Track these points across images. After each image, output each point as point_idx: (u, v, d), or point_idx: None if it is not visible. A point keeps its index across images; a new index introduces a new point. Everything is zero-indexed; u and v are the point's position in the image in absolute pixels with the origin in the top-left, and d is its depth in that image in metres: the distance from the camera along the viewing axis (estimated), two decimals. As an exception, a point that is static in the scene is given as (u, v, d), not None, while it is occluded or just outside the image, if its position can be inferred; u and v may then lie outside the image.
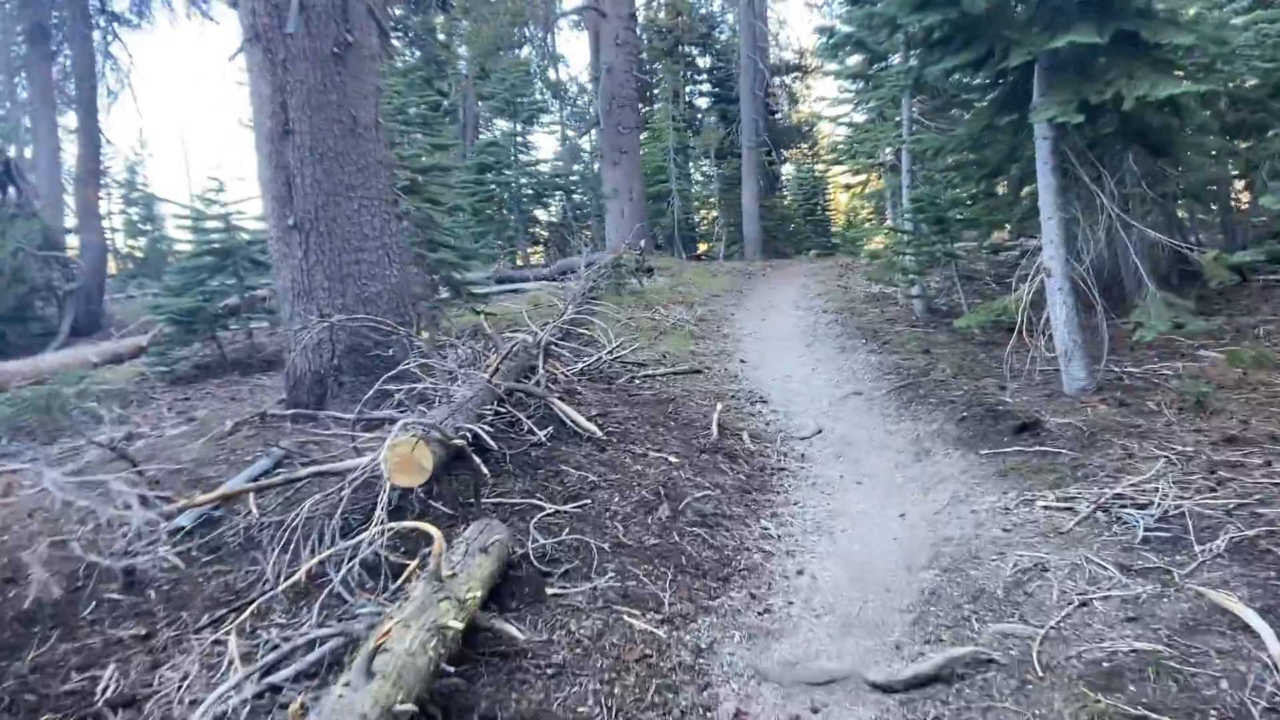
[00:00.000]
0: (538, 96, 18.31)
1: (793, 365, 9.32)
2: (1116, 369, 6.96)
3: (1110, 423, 5.89)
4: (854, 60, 13.49)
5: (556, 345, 8.89)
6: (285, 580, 4.27)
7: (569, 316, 10.71)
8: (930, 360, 8.45)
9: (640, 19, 29.15)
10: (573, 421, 6.33)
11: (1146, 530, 4.44)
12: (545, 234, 18.18)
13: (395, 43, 31.21)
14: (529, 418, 6.27)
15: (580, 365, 8.31)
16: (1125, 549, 4.36)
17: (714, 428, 6.80)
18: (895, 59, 10.76)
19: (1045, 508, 4.89)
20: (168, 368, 9.89)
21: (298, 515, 4.62)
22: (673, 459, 6.02)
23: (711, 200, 31.36)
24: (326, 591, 3.98)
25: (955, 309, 10.35)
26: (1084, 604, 3.97)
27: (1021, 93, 6.91)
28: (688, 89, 32.76)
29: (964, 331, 9.17)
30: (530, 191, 18.07)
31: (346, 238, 6.21)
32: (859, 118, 15.44)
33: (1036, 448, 5.72)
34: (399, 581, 4.20)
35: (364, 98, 6.30)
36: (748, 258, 24.88)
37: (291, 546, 4.54)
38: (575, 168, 25.93)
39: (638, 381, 8.22)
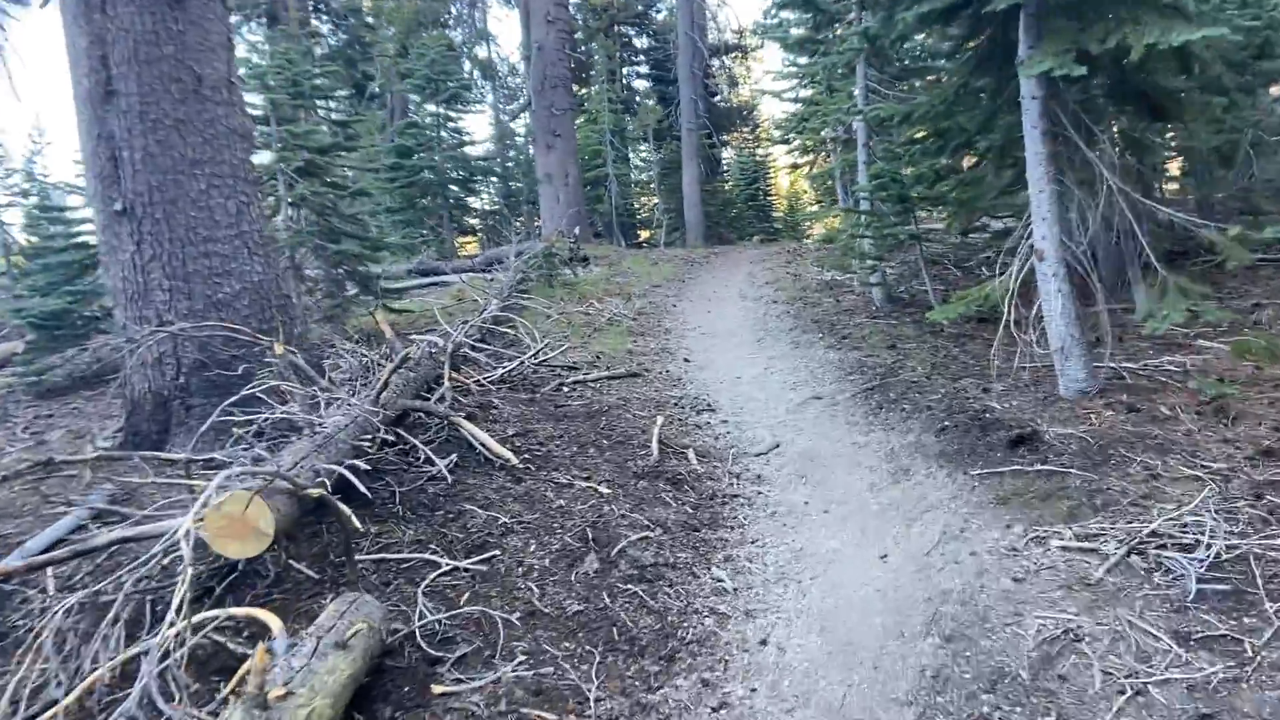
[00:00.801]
0: (463, 75, 16.92)
1: (743, 365, 8.31)
2: (1112, 364, 6.07)
3: (1121, 433, 4.97)
4: (800, 30, 12.54)
5: (473, 349, 7.77)
6: (71, 693, 3.14)
7: (491, 314, 9.56)
8: (898, 357, 7.51)
9: (573, -4, 27.94)
10: (482, 446, 5.22)
11: (1199, 581, 3.51)
12: (476, 223, 16.89)
13: (317, 23, 29.52)
14: (429, 443, 5.14)
15: (500, 372, 7.19)
16: (1176, 608, 3.43)
17: (654, 445, 5.75)
18: (849, 18, 9.78)
19: (1063, 548, 3.94)
20: (36, 378, 8.52)
21: (106, 593, 3.50)
22: (604, 489, 4.95)
23: (652, 186, 30.36)
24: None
25: (920, 298, 9.45)
26: (1138, 693, 3.03)
27: (1002, 47, 5.95)
28: (625, 70, 31.63)
29: (934, 324, 8.26)
30: (458, 177, 16.76)
31: (191, 226, 4.97)
32: (805, 92, 14.48)
33: (1038, 466, 4.77)
34: (231, 685, 3.11)
35: (209, 51, 5.06)
36: (690, 244, 23.90)
37: (95, 639, 3.41)
38: (508, 152, 24.65)
39: (566, 389, 7.12)
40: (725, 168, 31.76)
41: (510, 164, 24.56)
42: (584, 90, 28.43)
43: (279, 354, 4.52)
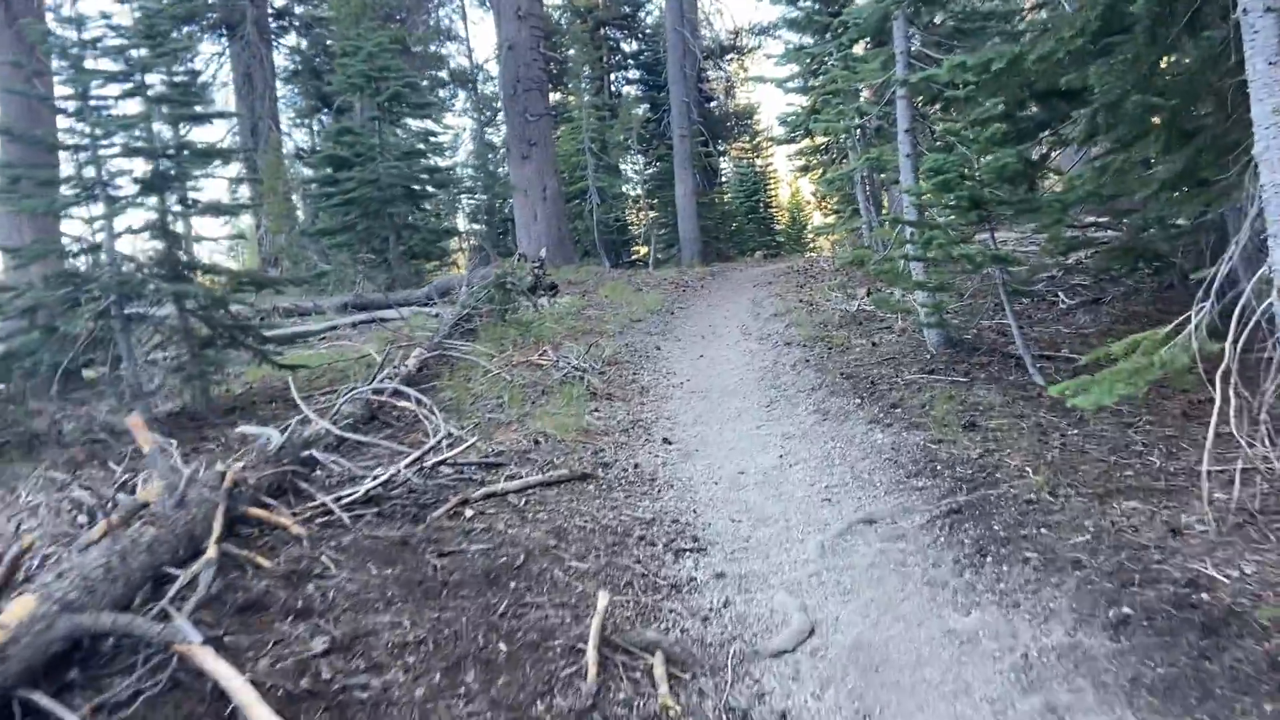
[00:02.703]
0: (408, 73, 14.35)
1: (747, 449, 5.69)
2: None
3: None
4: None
5: (338, 442, 5.17)
6: None
7: (409, 369, 6.97)
8: (986, 446, 4.88)
9: (553, -3, 25.60)
10: (242, 708, 2.60)
11: None
12: (425, 244, 14.31)
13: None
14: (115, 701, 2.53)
15: (368, 487, 4.57)
16: None
17: (590, 654, 3.11)
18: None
19: None
20: None
21: None
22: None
23: (644, 199, 27.84)
24: None
25: (994, 342, 6.81)
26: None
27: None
28: (613, 75, 29.17)
29: (1024, 384, 5.66)
30: (411, 189, 14.18)
31: None
32: (815, 81, 11.92)
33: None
34: None
35: None
36: (685, 262, 21.33)
37: None
38: (471, 163, 22.14)
39: (470, 513, 4.49)
40: (724, 179, 29.30)
41: (476, 176, 22.06)
42: (565, 97, 25.98)
43: None
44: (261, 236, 24.08)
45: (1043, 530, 3.77)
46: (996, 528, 3.87)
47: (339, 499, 4.40)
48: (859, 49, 11.30)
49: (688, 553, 4.16)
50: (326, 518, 4.28)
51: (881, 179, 12.09)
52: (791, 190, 32.33)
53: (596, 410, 6.65)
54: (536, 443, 5.73)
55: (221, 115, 7.63)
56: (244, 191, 28.74)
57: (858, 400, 6.12)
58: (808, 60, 11.80)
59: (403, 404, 6.27)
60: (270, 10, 26.44)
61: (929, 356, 6.76)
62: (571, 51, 23.00)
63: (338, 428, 5.31)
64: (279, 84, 27.51)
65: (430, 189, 14.67)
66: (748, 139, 30.75)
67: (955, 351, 6.70)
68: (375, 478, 4.63)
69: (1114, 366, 3.74)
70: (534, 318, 10.24)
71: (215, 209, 7.23)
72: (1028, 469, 4.43)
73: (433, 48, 26.23)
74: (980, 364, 6.37)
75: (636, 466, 5.38)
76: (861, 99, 10.62)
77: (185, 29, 27.29)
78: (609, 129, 20.34)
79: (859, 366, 6.91)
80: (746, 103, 30.99)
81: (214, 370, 7.47)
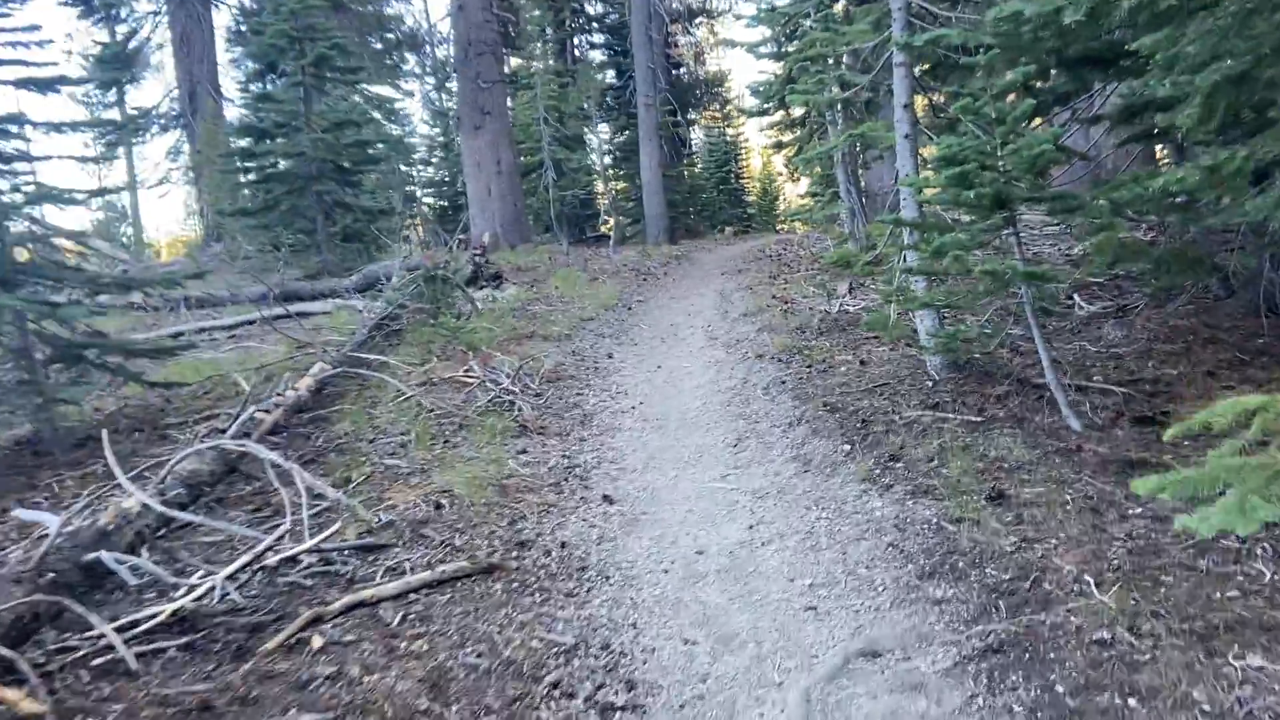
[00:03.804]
0: (337, 34, 12.77)
1: (708, 513, 4.46)
2: None
3: None
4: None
5: (141, 538, 3.87)
6: None
7: (293, 397, 5.66)
8: (1021, 532, 3.67)
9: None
10: None
11: None
12: (360, 226, 12.86)
13: None
14: None
15: (183, 602, 3.29)
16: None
17: None
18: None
19: None
20: None
21: None
22: None
23: (609, 173, 26.40)
24: None
25: (1009, 366, 5.60)
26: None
27: None
28: (576, 39, 27.54)
29: (1056, 429, 4.49)
30: (340, 165, 12.68)
31: None
32: (791, 46, 10.60)
33: None
34: None
35: None
36: (650, 240, 20.03)
37: None
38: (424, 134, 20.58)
39: (318, 642, 3.22)
40: (694, 149, 27.95)
41: (431, 148, 20.53)
42: (524, 63, 24.33)
43: None
44: (203, 210, 22.43)
45: (1131, 703, 2.58)
46: (1062, 692, 2.68)
47: (130, 627, 3.12)
48: (839, 7, 10.01)
49: (618, 712, 2.93)
50: (109, 656, 3.00)
51: (862, 158, 10.84)
52: (764, 160, 31.04)
53: (524, 452, 5.37)
54: (438, 507, 4.45)
55: (66, 82, 6.14)
56: (183, 162, 27.00)
57: (847, 445, 4.89)
58: (782, 22, 10.46)
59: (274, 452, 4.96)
60: (209, -36, 24.54)
61: (931, 384, 5.54)
62: (531, 13, 21.36)
63: (164, 499, 3.99)
64: (224, 47, 25.68)
65: (364, 165, 13.15)
66: (718, 108, 29.34)
67: (963, 378, 5.49)
68: (195, 585, 3.35)
69: (1236, 460, 2.52)
70: (469, 316, 8.91)
71: (52, 197, 5.82)
72: (1087, 577, 3.24)
73: (385, 8, 24.46)
74: (996, 397, 5.17)
75: (564, 546, 4.12)
76: (844, 67, 9.32)
77: (115, -18, 25.45)
78: (568, 97, 18.83)
79: (846, 394, 5.68)
80: (717, 70, 29.56)
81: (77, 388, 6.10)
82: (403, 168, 22.70)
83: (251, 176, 12.06)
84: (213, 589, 3.24)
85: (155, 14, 26.91)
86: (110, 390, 7.62)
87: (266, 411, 5.36)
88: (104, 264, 25.09)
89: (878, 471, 4.48)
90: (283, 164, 11.86)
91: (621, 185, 25.93)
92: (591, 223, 24.04)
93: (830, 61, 9.68)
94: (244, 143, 11.92)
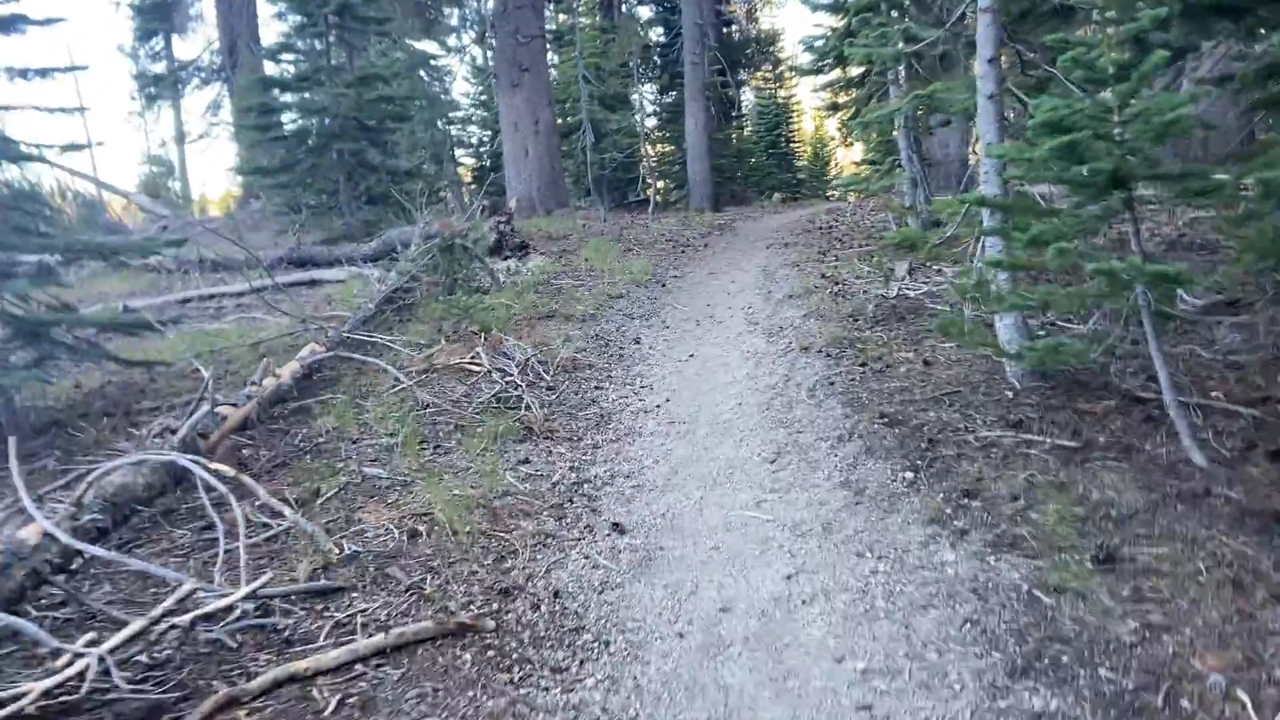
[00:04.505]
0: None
1: (738, 551, 3.67)
2: None
3: None
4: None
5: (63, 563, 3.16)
6: None
7: (270, 388, 4.98)
8: (1142, 614, 2.82)
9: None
10: None
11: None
12: (389, 187, 12.13)
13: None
14: None
15: (68, 665, 2.58)
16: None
17: None
18: None
19: None
20: None
21: None
22: None
23: (657, 134, 25.37)
24: None
25: (1104, 376, 4.66)
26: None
27: None
28: (624, -8, 26.39)
29: (1179, 463, 3.61)
30: (368, 123, 11.93)
31: None
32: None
33: None
34: None
35: None
36: (693, 206, 19.04)
37: None
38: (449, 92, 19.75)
39: (248, 714, 2.51)
40: (743, 112, 26.80)
41: (458, 107, 19.69)
42: (566, 18, 23.28)
43: None
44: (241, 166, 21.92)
45: None
46: None
47: (-13, 712, 2.43)
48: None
49: None
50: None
51: (925, 122, 9.80)
52: (816, 124, 29.73)
53: (526, 462, 4.62)
54: (414, 535, 3.72)
55: (27, 21, 5.45)
56: (224, 117, 26.55)
57: (909, 471, 4.05)
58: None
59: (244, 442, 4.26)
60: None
61: (1011, 395, 4.65)
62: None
63: (77, 526, 3.30)
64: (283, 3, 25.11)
65: (392, 123, 12.38)
66: (770, 68, 28.07)
67: (1050, 388, 4.59)
68: (80, 655, 2.65)
69: None
70: (489, 290, 8.16)
71: (7, 154, 5.12)
72: (1240, 694, 2.40)
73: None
74: (1093, 414, 4.27)
75: (557, 596, 3.36)
76: (909, 19, 8.29)
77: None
78: (609, 54, 17.86)
79: (907, 403, 4.82)
80: (770, 27, 28.28)
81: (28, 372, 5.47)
82: (442, 126, 21.91)
83: (273, 133, 11.36)
84: (88, 668, 2.53)
85: (196, -39, 26.41)
86: (99, 363, 7.07)
87: (235, 405, 4.66)
88: (146, 220, 24.87)
89: (949, 511, 3.64)
90: (302, 120, 11.13)
91: (666, 148, 24.93)
92: (634, 187, 23.12)
93: (894, 14, 8.67)
94: (264, 98, 11.21)
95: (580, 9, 20.84)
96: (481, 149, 24.14)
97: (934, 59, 6.78)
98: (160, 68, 25.92)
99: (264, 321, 8.12)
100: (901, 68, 8.63)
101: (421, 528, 3.77)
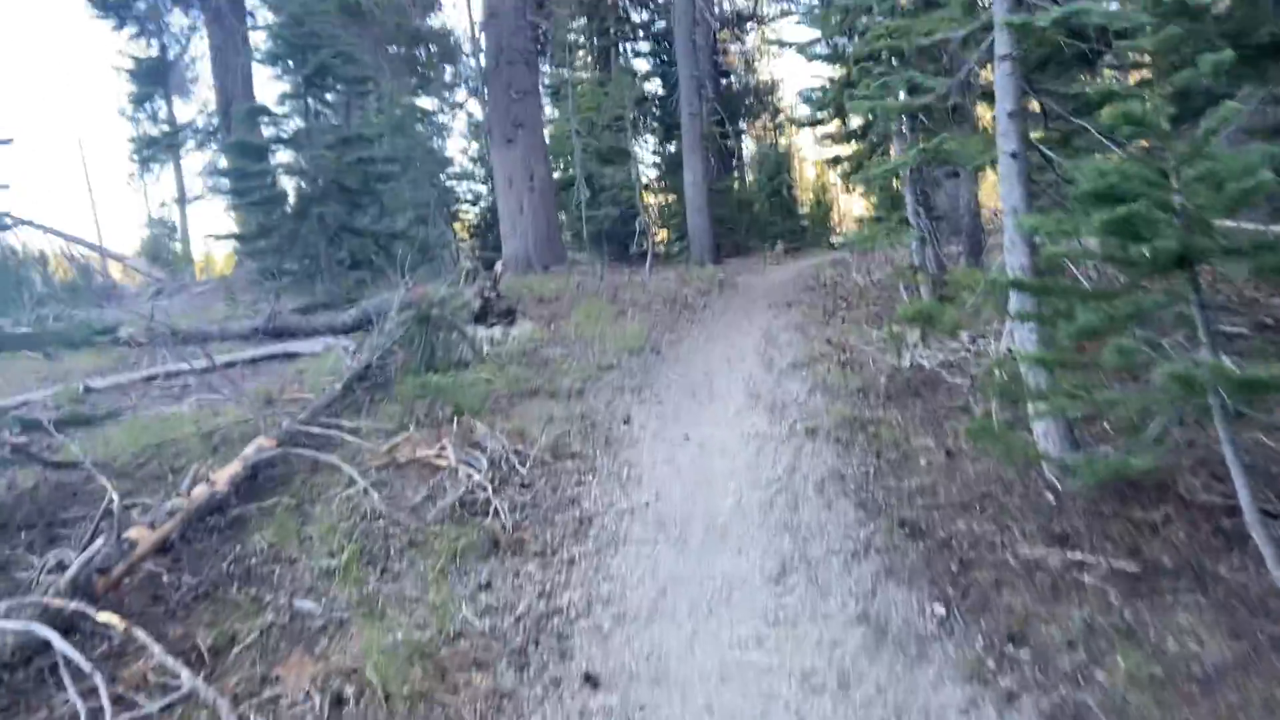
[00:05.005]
0: (341, 39, 11.56)
1: (734, 714, 3.00)
2: None
3: None
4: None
5: None
6: None
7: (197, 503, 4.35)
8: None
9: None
10: None
11: None
12: (380, 251, 11.63)
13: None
14: None
15: None
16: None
17: None
18: None
19: None
20: None
21: None
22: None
23: (659, 184, 25.04)
24: None
25: (1159, 472, 3.99)
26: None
27: None
28: (620, 47, 26.24)
29: (1265, 610, 2.93)
30: (351, 186, 11.46)
31: None
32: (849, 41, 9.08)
33: None
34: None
35: None
36: (695, 258, 18.56)
37: None
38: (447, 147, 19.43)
39: None
40: (744, 161, 26.51)
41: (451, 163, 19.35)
42: (562, 68, 23.04)
43: None
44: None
45: None
46: None
47: None
48: (906, -1, 8.47)
49: None
50: None
51: (930, 174, 9.25)
52: (818, 171, 29.37)
53: (487, 587, 3.95)
54: (339, 703, 3.06)
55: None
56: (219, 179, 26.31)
57: (939, 603, 3.39)
58: (839, 18, 8.97)
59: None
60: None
61: (1051, 499, 3.99)
62: (569, 22, 20.08)
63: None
64: (262, 65, 25.03)
65: (375, 184, 11.91)
66: (769, 117, 27.83)
67: (1099, 494, 3.93)
68: None
69: None
70: (469, 364, 7.57)
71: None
72: None
73: (416, 20, 23.38)
74: (1150, 525, 3.61)
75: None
76: (911, 69, 7.78)
77: (151, -1, 24.91)
78: (602, 107, 17.52)
79: (931, 506, 4.16)
80: (769, 78, 28.05)
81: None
82: (437, 183, 21.56)
83: (250, 198, 10.88)
84: None
85: (192, 29, 26.42)
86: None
87: (150, 526, 4.03)
88: (143, 283, 24.48)
89: (991, 664, 2.97)
90: (281, 184, 10.66)
91: (667, 199, 24.57)
92: (634, 239, 22.67)
93: (895, 62, 8.18)
94: (239, 162, 10.75)
95: (576, 63, 20.59)
96: (478, 205, 23.81)
97: (945, 110, 6.23)
98: (155, 130, 25.75)
99: (226, 404, 7.52)
100: (904, 119, 8.10)
101: (350, 690, 3.11)
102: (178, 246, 28.47)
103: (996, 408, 4.47)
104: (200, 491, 4.50)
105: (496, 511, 4.62)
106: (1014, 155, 4.06)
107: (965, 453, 4.69)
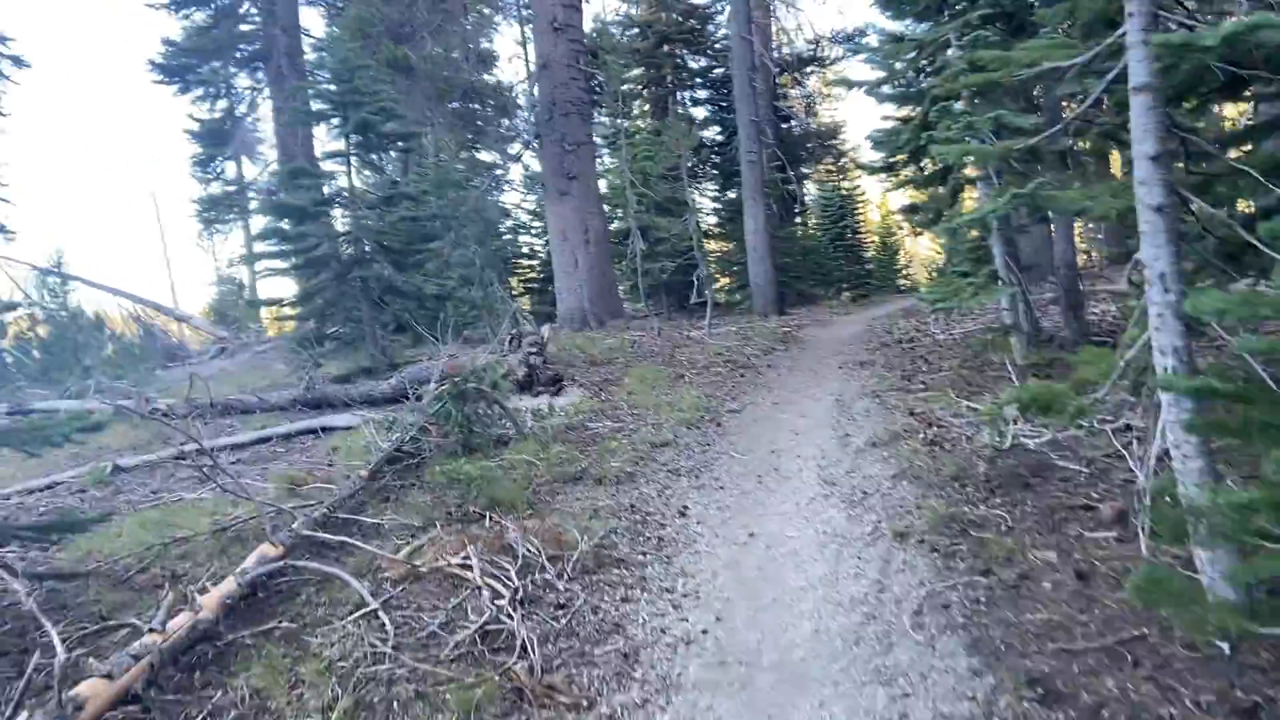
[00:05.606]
0: (389, 91, 11.21)
1: None
2: None
3: None
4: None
5: None
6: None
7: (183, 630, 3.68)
8: None
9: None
10: None
11: None
12: (425, 313, 11.11)
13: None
14: None
15: None
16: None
17: None
18: None
19: None
20: None
21: None
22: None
23: (720, 231, 24.46)
24: None
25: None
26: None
27: None
28: (677, 95, 25.87)
29: None
30: (394, 247, 11.03)
31: None
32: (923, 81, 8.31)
33: None
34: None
35: None
36: (758, 309, 17.77)
37: None
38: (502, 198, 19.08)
39: None
40: (806, 207, 25.75)
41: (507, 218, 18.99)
42: (615, 119, 22.70)
43: None
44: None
45: None
46: None
47: None
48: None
49: None
50: None
51: (1010, 222, 8.35)
52: (882, 213, 28.45)
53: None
54: None
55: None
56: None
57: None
58: (913, 53, 8.22)
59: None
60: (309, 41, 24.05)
61: (1225, 649, 3.07)
62: (622, 73, 19.67)
63: None
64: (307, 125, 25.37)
65: (421, 244, 11.46)
66: (832, 160, 27.10)
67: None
68: None
69: None
70: (509, 441, 6.89)
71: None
72: None
73: (471, 76, 23.34)
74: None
75: None
76: (998, 108, 6.95)
77: (213, 63, 25.39)
78: (656, 157, 16.97)
79: (1065, 653, 3.26)
80: (831, 120, 27.38)
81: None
82: (492, 239, 21.27)
83: (291, 262, 10.50)
84: None
85: (255, 89, 26.81)
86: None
87: (109, 678, 3.35)
88: (205, 342, 24.64)
89: None
90: (323, 247, 10.25)
91: (727, 247, 23.90)
92: (693, 289, 22.01)
93: (976, 100, 7.38)
94: (280, 224, 10.38)
95: (632, 112, 20.16)
96: (535, 259, 23.48)
97: (1055, 155, 5.38)
98: (218, 190, 26.10)
99: (253, 487, 6.94)
100: (989, 164, 7.27)
101: None
102: (243, 305, 28.76)
103: (1160, 548, 3.53)
104: (180, 622, 3.83)
105: (524, 645, 3.86)
106: (1159, 209, 3.22)
107: (1101, 574, 3.78)
